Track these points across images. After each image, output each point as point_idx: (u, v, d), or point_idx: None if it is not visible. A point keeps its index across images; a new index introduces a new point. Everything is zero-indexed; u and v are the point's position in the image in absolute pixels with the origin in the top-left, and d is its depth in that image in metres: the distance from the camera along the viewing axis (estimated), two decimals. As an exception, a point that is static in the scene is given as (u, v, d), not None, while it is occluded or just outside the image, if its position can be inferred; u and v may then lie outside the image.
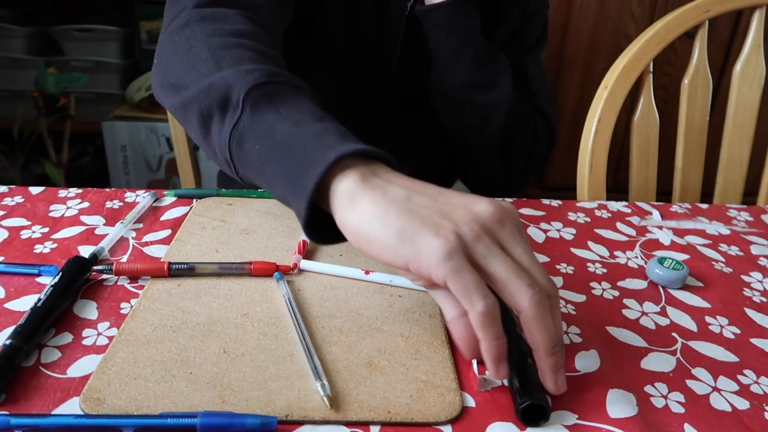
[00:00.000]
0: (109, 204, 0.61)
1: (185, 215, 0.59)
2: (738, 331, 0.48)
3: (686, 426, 0.38)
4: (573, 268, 0.55)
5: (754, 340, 0.47)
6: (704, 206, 0.71)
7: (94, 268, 0.49)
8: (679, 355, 0.45)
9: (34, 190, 0.63)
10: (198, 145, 0.50)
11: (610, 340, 0.46)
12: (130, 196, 0.63)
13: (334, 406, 0.37)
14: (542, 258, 0.56)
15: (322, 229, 0.41)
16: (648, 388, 0.41)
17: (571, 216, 0.66)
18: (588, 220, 0.65)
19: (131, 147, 1.82)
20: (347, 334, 0.44)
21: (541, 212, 0.66)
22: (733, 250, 0.61)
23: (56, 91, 1.73)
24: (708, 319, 0.49)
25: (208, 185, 1.08)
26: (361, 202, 0.38)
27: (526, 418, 0.37)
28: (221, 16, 0.53)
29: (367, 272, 0.50)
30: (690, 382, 0.42)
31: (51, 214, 0.58)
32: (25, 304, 0.45)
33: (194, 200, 0.62)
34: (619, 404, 0.39)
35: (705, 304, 0.51)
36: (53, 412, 0.36)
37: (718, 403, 0.40)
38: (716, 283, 0.55)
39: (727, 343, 0.47)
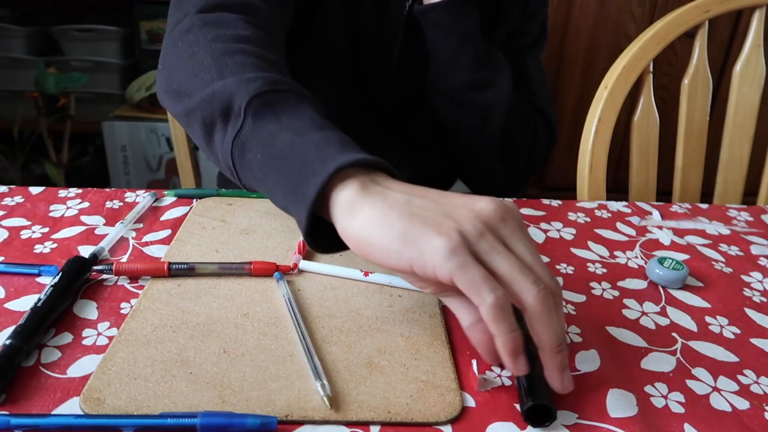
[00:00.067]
0: (109, 204, 0.61)
1: (185, 215, 0.59)
2: (738, 331, 0.48)
3: (686, 426, 0.38)
4: (573, 268, 0.55)
5: (754, 340, 0.47)
6: (704, 206, 0.71)
7: (94, 268, 0.49)
8: (679, 355, 0.45)
9: (34, 190, 0.63)
10: (202, 151, 0.50)
11: (610, 340, 0.46)
12: (130, 196, 0.63)
13: (334, 406, 0.37)
14: (543, 258, 0.56)
15: (323, 238, 0.42)
16: (648, 388, 0.41)
17: (571, 216, 0.66)
18: (588, 220, 0.65)
19: (131, 147, 1.82)
20: (347, 334, 0.44)
21: (541, 212, 0.66)
22: (733, 250, 0.61)
23: (56, 91, 1.73)
24: (708, 319, 0.49)
25: (208, 185, 1.08)
26: (361, 209, 0.38)
27: (531, 419, 0.37)
28: (224, 21, 0.53)
29: (366, 274, 0.50)
30: (690, 382, 0.42)
31: (51, 214, 0.58)
32: (25, 304, 0.45)
33: (194, 200, 0.62)
34: (619, 404, 0.39)
35: (705, 304, 0.51)
36: (53, 412, 0.36)
37: (718, 403, 0.40)
38: (716, 283, 0.55)
39: (727, 343, 0.47)
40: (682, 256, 0.59)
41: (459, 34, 0.69)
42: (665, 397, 0.40)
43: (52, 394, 0.37)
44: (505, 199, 0.40)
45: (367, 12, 0.72)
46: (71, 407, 0.36)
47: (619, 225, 0.65)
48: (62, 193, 0.63)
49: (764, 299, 0.53)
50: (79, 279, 0.47)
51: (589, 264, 0.56)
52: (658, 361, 0.44)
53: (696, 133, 0.90)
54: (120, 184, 1.88)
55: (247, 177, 0.44)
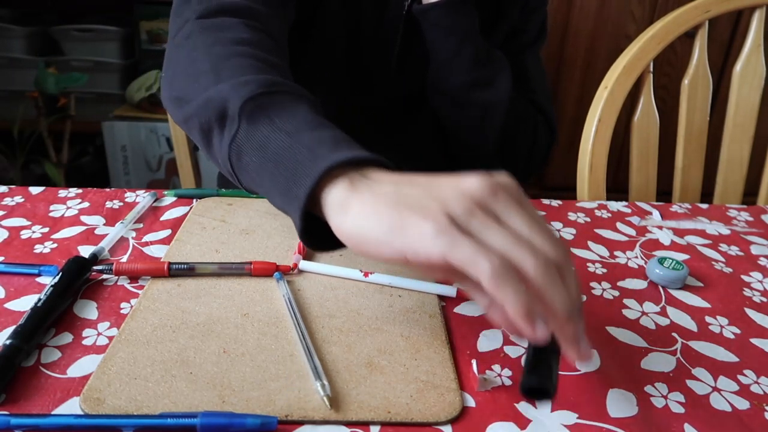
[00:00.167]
0: (109, 204, 0.61)
1: (185, 215, 0.59)
2: (738, 331, 0.48)
3: (686, 426, 0.38)
4: (573, 268, 0.55)
5: (754, 340, 0.47)
6: (704, 206, 0.71)
7: (94, 268, 0.49)
8: (679, 355, 0.45)
9: (34, 190, 0.63)
10: (204, 155, 0.50)
11: (610, 340, 0.46)
12: (130, 196, 0.63)
13: (334, 406, 0.37)
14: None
15: (322, 237, 0.42)
16: (648, 388, 0.41)
17: (571, 216, 0.66)
18: (588, 220, 0.65)
19: (131, 147, 1.82)
20: (347, 334, 0.44)
21: (541, 212, 0.66)
22: (733, 250, 0.61)
23: (56, 91, 1.73)
24: (708, 319, 0.49)
25: (208, 185, 1.08)
26: (351, 206, 0.38)
27: (528, 394, 0.38)
28: (224, 25, 0.53)
29: (366, 274, 0.50)
30: (690, 382, 0.42)
31: (51, 214, 0.58)
32: (25, 304, 0.45)
33: (194, 200, 0.62)
34: (619, 404, 0.39)
35: (705, 304, 0.51)
36: (53, 412, 0.36)
37: (718, 403, 0.40)
38: (716, 283, 0.55)
39: (727, 343, 0.47)
40: (682, 256, 0.59)
41: (458, 33, 0.69)
42: (665, 397, 0.40)
43: (52, 394, 0.37)
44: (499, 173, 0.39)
45: (367, 12, 0.72)
46: (71, 407, 0.36)
47: (619, 225, 0.65)
48: (62, 193, 0.63)
49: (764, 299, 0.53)
50: (79, 279, 0.47)
51: (589, 264, 0.56)
52: (658, 361, 0.44)
53: (696, 133, 0.90)
54: (120, 184, 1.88)
55: (246, 180, 0.45)
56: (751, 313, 0.51)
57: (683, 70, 0.89)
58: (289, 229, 0.57)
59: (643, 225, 0.65)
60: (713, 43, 1.80)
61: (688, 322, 0.49)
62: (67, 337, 0.42)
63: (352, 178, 0.39)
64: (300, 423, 0.36)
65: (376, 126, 0.79)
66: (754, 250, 0.62)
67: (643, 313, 0.49)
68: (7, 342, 0.39)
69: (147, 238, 0.55)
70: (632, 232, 0.63)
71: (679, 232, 0.64)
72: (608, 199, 0.75)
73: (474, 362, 0.41)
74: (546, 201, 0.69)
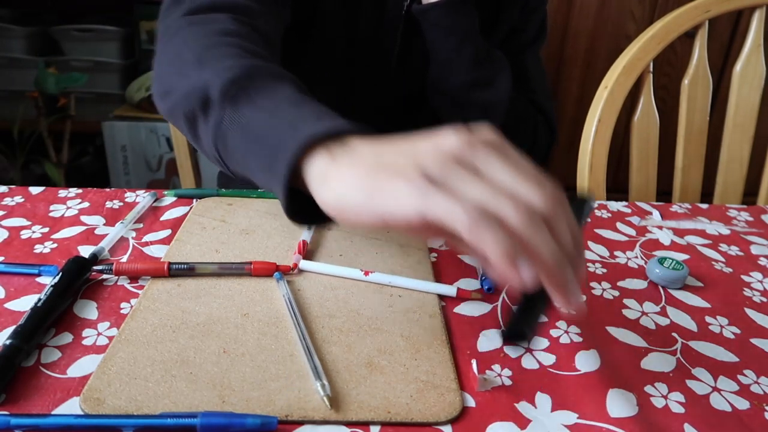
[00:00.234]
0: (109, 204, 0.61)
1: (185, 215, 0.59)
2: (738, 331, 0.48)
3: (686, 426, 0.38)
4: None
5: (754, 340, 0.47)
6: (704, 206, 0.71)
7: (94, 268, 0.49)
8: (679, 355, 0.45)
9: (34, 190, 0.63)
10: (198, 149, 0.50)
11: (610, 340, 0.46)
12: (130, 196, 0.63)
13: (334, 406, 0.37)
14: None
15: (309, 212, 0.41)
16: (648, 388, 0.41)
17: (571, 216, 0.65)
18: (588, 220, 0.65)
19: (131, 147, 1.82)
20: (347, 334, 0.44)
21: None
22: (733, 250, 0.61)
23: (56, 91, 1.73)
24: (708, 319, 0.49)
25: (208, 185, 1.08)
26: (331, 177, 0.38)
27: (509, 340, 0.38)
28: (211, 19, 0.53)
29: (366, 273, 0.50)
30: (690, 382, 0.42)
31: (51, 214, 0.58)
32: (25, 304, 0.45)
33: (194, 200, 0.62)
34: (619, 404, 0.39)
35: (705, 304, 0.51)
36: (53, 412, 0.36)
37: (718, 403, 0.40)
38: (716, 283, 0.55)
39: (727, 343, 0.47)
40: (682, 256, 0.59)
41: (458, 33, 0.69)
42: (665, 397, 0.40)
43: (52, 394, 0.37)
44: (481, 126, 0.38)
45: (367, 12, 0.72)
46: (71, 407, 0.36)
47: (619, 225, 0.65)
48: (62, 193, 0.63)
49: (764, 299, 0.53)
50: (79, 279, 0.47)
51: (589, 264, 0.56)
52: (658, 361, 0.44)
53: (696, 133, 0.90)
54: (120, 184, 1.88)
55: (234, 165, 0.45)
56: (751, 313, 0.51)
57: (683, 70, 0.89)
58: (289, 229, 0.57)
59: (643, 225, 0.65)
60: (713, 43, 1.80)
61: (688, 322, 0.49)
62: (67, 337, 0.42)
63: (331, 149, 0.39)
64: (300, 423, 0.36)
65: (376, 126, 0.79)
66: (754, 250, 0.62)
67: (643, 313, 0.49)
68: (7, 342, 0.39)
69: (147, 238, 0.55)
70: (632, 232, 0.63)
71: (679, 232, 0.64)
72: (608, 199, 0.75)
73: (474, 362, 0.41)
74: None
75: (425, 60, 0.73)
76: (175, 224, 0.58)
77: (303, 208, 0.41)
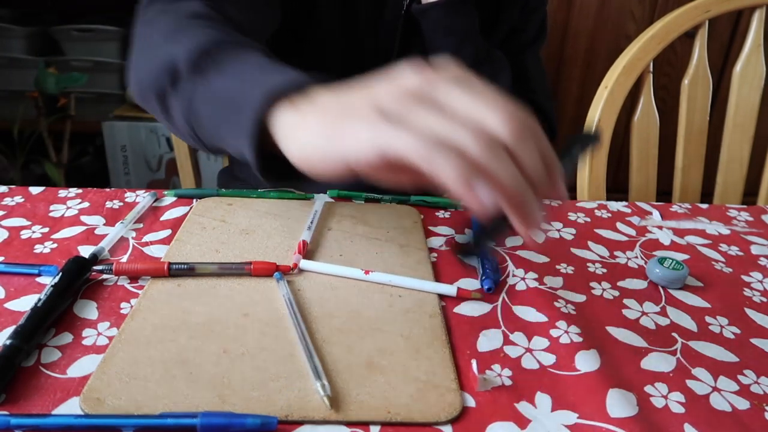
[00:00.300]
0: (109, 204, 0.61)
1: (185, 215, 0.59)
2: (738, 331, 0.48)
3: (686, 426, 0.38)
4: (573, 268, 0.55)
5: (754, 340, 0.47)
6: (704, 206, 0.71)
7: (94, 268, 0.49)
8: (679, 355, 0.45)
9: (34, 190, 0.63)
10: (176, 135, 0.51)
11: (610, 340, 0.46)
12: (130, 196, 0.63)
13: (334, 406, 0.37)
14: (542, 258, 0.56)
15: (283, 172, 0.41)
16: (648, 388, 0.41)
17: (571, 216, 0.66)
18: (588, 220, 0.65)
19: (131, 147, 1.82)
20: (347, 334, 0.44)
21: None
22: (733, 250, 0.61)
23: (56, 91, 1.73)
24: (708, 319, 0.49)
25: (208, 185, 1.08)
26: (296, 129, 0.38)
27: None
28: (182, 6, 0.53)
29: (366, 272, 0.50)
30: (690, 382, 0.42)
31: (51, 214, 0.58)
32: (25, 304, 0.45)
33: (194, 200, 0.62)
34: (619, 404, 0.39)
35: (705, 304, 0.51)
36: (53, 412, 0.36)
37: (718, 403, 0.40)
38: (716, 283, 0.55)
39: (727, 343, 0.47)
40: (682, 256, 0.59)
41: (458, 33, 0.69)
42: (665, 397, 0.40)
43: (52, 394, 0.37)
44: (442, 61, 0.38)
45: (364, 12, 0.72)
46: (71, 407, 0.36)
47: (619, 225, 0.65)
48: (62, 193, 0.63)
49: (764, 299, 0.53)
50: (79, 279, 0.47)
51: (589, 264, 0.56)
52: (658, 361, 0.44)
53: (696, 133, 0.90)
54: (120, 184, 1.88)
55: (206, 137, 0.45)
56: (751, 313, 0.51)
57: (683, 70, 0.89)
58: (289, 229, 0.57)
59: (643, 225, 0.65)
60: (713, 43, 1.80)
61: (688, 322, 0.49)
62: (67, 337, 0.42)
63: (294, 101, 0.39)
64: (300, 423, 0.36)
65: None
66: (754, 250, 0.62)
67: (643, 313, 0.49)
68: (7, 342, 0.39)
69: (147, 238, 0.55)
70: (632, 232, 0.63)
71: (679, 232, 0.64)
72: (608, 199, 0.75)
73: (474, 362, 0.41)
74: (546, 201, 0.69)
75: (425, 60, 0.73)
76: (175, 224, 0.58)
77: (278, 170, 0.41)
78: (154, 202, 0.62)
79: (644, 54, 0.83)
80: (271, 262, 0.50)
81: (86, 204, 0.61)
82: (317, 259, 0.53)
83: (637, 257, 0.58)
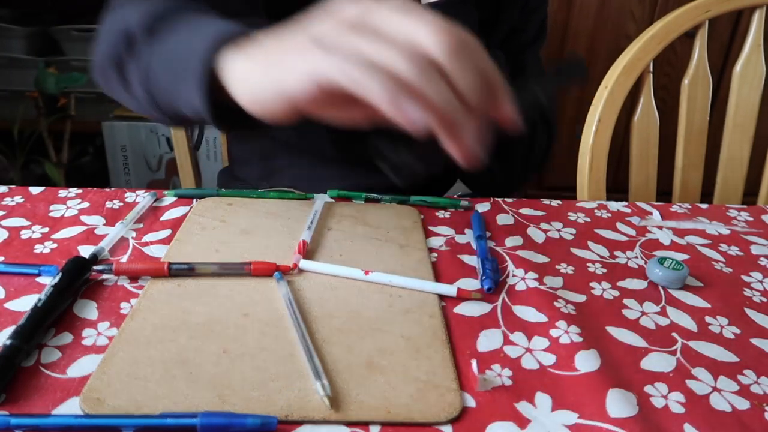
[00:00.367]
0: (109, 204, 0.61)
1: (185, 215, 0.59)
2: (738, 331, 0.48)
3: (686, 426, 0.38)
4: (573, 268, 0.55)
5: (754, 340, 0.47)
6: (704, 206, 0.71)
7: (94, 268, 0.49)
8: (679, 355, 0.45)
9: (34, 190, 0.63)
10: (136, 111, 0.51)
11: (610, 340, 0.46)
12: (130, 196, 0.63)
13: (334, 406, 0.37)
14: (542, 258, 0.56)
15: (237, 120, 0.42)
16: (648, 388, 0.41)
17: (571, 216, 0.66)
18: (588, 220, 0.65)
19: (131, 147, 1.82)
20: (347, 334, 0.44)
21: (541, 212, 0.66)
22: (733, 250, 0.61)
23: (56, 91, 1.73)
24: (708, 319, 0.49)
25: (208, 185, 1.08)
26: (243, 71, 0.38)
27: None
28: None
29: (366, 272, 0.50)
30: (690, 382, 0.42)
31: (51, 214, 0.58)
32: (25, 304, 0.45)
33: (194, 200, 0.62)
34: (619, 404, 0.39)
35: (705, 304, 0.51)
36: (53, 412, 0.36)
37: (718, 403, 0.40)
38: (716, 283, 0.55)
39: (727, 343, 0.47)
40: (682, 256, 0.59)
41: (458, 33, 0.69)
42: (665, 397, 0.40)
43: (52, 394, 0.37)
44: None
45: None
46: (71, 407, 0.36)
47: (619, 225, 0.65)
48: (62, 193, 0.63)
49: (764, 299, 0.53)
50: (79, 279, 0.47)
51: (589, 264, 0.56)
52: (658, 361, 0.44)
53: (696, 133, 0.90)
54: (120, 184, 1.88)
55: (164, 102, 0.45)
56: (751, 313, 0.51)
57: (683, 70, 0.89)
58: (289, 229, 0.57)
59: (643, 225, 0.65)
60: (713, 43, 1.80)
61: (688, 322, 0.49)
62: (67, 337, 0.42)
63: (241, 45, 0.39)
64: (300, 423, 0.36)
65: (375, 127, 0.79)
66: (754, 250, 0.62)
67: (643, 313, 0.49)
68: (7, 342, 0.39)
69: (147, 238, 0.55)
70: (632, 232, 0.63)
71: (679, 232, 0.64)
72: (608, 199, 0.75)
73: (474, 362, 0.41)
74: (546, 201, 0.69)
75: None
76: (175, 224, 0.58)
77: (232, 120, 0.42)
78: (154, 202, 0.62)
79: (644, 54, 0.83)
80: (271, 262, 0.50)
81: (86, 204, 0.61)
82: (317, 259, 0.53)
83: (637, 257, 0.58)
